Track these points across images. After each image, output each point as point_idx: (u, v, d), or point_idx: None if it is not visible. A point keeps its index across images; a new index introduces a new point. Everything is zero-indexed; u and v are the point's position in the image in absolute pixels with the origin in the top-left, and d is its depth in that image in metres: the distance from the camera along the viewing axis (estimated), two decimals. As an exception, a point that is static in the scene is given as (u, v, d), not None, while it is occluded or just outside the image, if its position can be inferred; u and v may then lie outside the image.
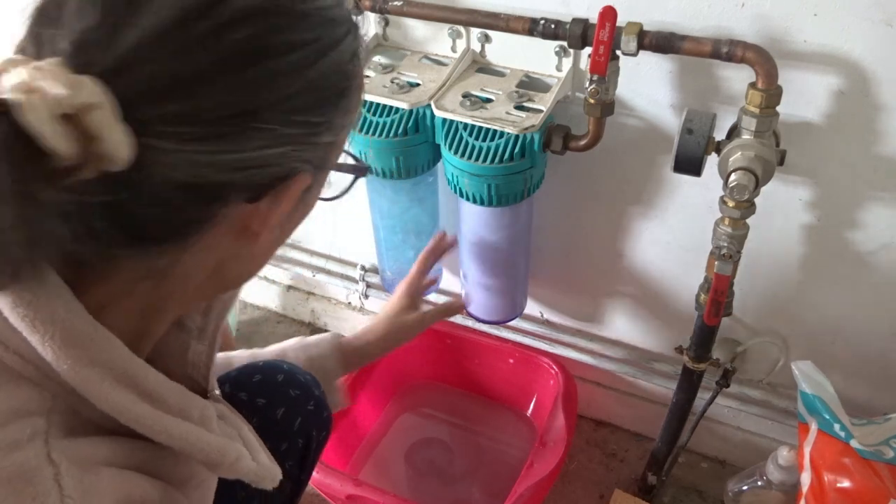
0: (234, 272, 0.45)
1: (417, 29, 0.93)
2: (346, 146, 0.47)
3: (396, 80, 0.88)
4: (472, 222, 0.95)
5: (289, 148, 0.39)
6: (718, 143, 0.74)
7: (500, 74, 0.90)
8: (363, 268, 1.27)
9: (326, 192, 0.48)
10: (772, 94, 0.69)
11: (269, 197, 0.41)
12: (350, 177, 0.55)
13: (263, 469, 0.48)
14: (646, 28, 0.73)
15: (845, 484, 0.81)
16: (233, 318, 1.44)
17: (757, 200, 0.75)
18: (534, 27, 0.78)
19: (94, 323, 0.38)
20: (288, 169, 0.40)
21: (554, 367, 1.16)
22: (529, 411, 1.24)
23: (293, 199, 0.42)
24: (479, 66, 0.91)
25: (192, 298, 0.45)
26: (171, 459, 0.44)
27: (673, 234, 0.95)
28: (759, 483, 1.00)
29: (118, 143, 0.33)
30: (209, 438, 0.43)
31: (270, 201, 0.41)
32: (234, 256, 0.43)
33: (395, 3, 0.85)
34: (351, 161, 0.52)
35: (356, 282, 1.29)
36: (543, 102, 0.84)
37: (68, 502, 0.34)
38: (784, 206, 0.85)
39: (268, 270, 1.47)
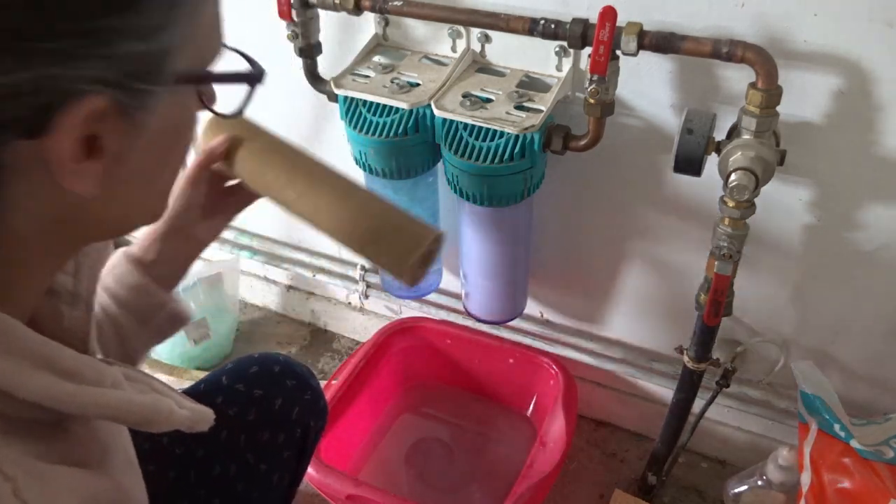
0: (89, 220, 0.39)
1: (417, 29, 0.93)
2: (223, 49, 0.41)
3: (396, 80, 0.88)
4: (472, 222, 0.95)
5: (56, 68, 0.31)
6: (718, 143, 0.74)
7: (500, 74, 0.90)
8: (363, 268, 1.27)
9: (220, 105, 0.40)
10: (772, 94, 0.69)
11: (61, 129, 0.33)
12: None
13: (195, 413, 0.46)
14: (646, 28, 0.73)
15: (845, 484, 0.81)
16: (233, 318, 1.44)
17: (757, 200, 0.75)
18: (534, 27, 0.78)
19: None
20: (60, 94, 0.32)
21: (554, 367, 1.16)
22: (529, 411, 1.24)
23: (84, 128, 0.34)
24: (479, 66, 0.92)
25: (43, 257, 0.40)
26: (79, 441, 0.42)
27: (673, 234, 0.95)
28: (759, 483, 1.00)
29: None
30: (139, 399, 0.41)
31: (65, 134, 0.33)
32: (71, 204, 0.37)
33: (395, 3, 0.85)
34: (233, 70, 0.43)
35: (356, 282, 1.29)
36: (543, 102, 0.84)
37: None
38: (784, 206, 0.85)
39: (268, 270, 1.47)
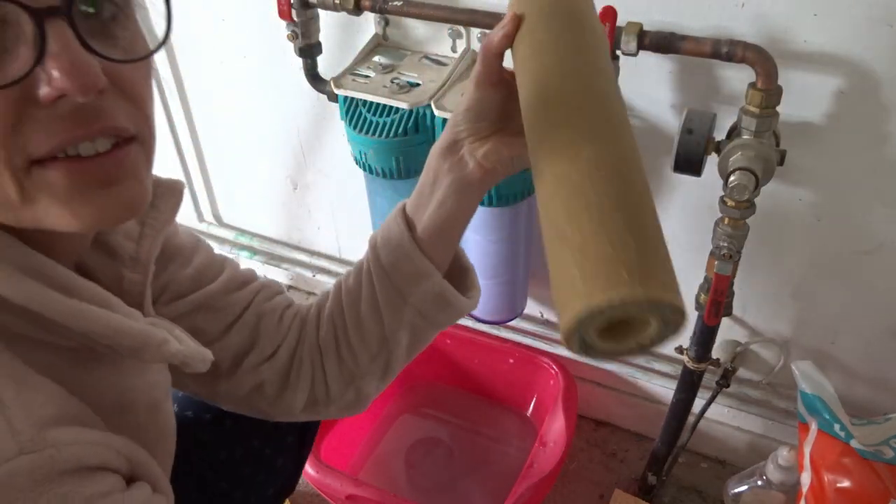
0: None
1: (417, 29, 0.93)
2: None
3: (396, 80, 0.88)
4: (472, 222, 0.94)
5: None
6: (718, 143, 0.74)
7: (500, 74, 0.90)
8: (363, 268, 1.27)
9: None
10: (772, 94, 0.69)
11: None
12: None
13: (192, 351, 0.47)
14: (646, 28, 0.73)
15: (845, 484, 0.81)
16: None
17: (757, 200, 0.75)
18: (534, 27, 0.78)
19: None
20: None
21: (554, 367, 1.16)
22: (529, 411, 1.24)
23: None
24: (479, 66, 0.91)
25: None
26: (99, 380, 0.44)
27: (673, 234, 0.95)
28: (759, 483, 1.00)
29: None
30: (132, 324, 0.42)
31: None
32: None
33: (395, 3, 0.85)
34: None
35: (356, 282, 1.29)
36: (543, 102, 0.84)
37: (8, 412, 0.35)
38: (784, 206, 0.85)
39: (268, 270, 1.47)
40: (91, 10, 0.36)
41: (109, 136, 0.37)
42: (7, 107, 0.34)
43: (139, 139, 0.39)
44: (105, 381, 0.44)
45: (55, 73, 0.34)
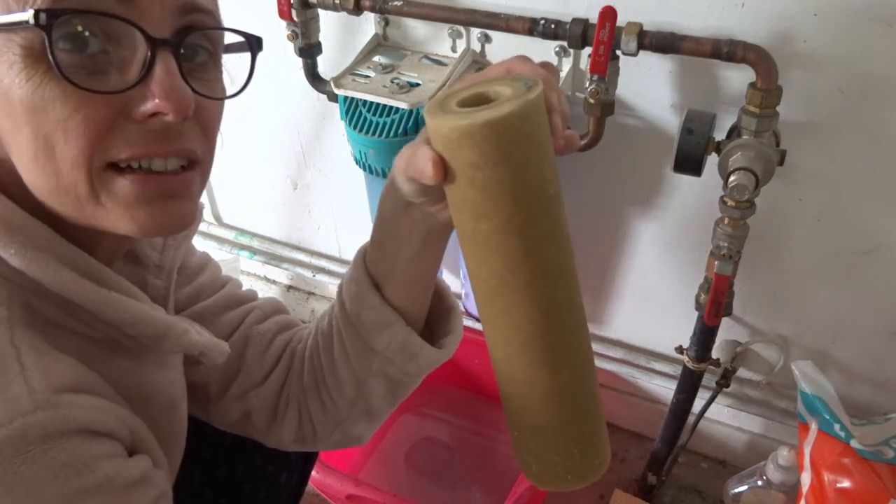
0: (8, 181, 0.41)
1: (417, 29, 0.93)
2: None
3: (396, 80, 0.88)
4: (472, 222, 0.95)
5: None
6: (718, 143, 0.74)
7: (500, 74, 0.90)
8: (363, 268, 1.27)
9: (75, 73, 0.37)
10: (772, 94, 0.69)
11: None
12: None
13: (210, 342, 0.50)
14: (646, 28, 0.73)
15: (845, 484, 0.81)
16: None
17: (757, 200, 0.75)
18: (534, 27, 0.78)
19: (26, 214, 0.41)
20: None
21: (554, 367, 1.16)
22: (529, 411, 1.24)
23: None
24: (479, 66, 0.91)
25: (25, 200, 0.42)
26: (121, 372, 0.46)
27: (673, 234, 0.95)
28: (759, 483, 1.00)
29: None
30: (156, 313, 0.46)
31: None
32: None
33: (395, 3, 0.85)
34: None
35: (356, 282, 1.29)
36: (543, 102, 0.84)
37: (28, 374, 0.38)
38: (784, 206, 0.85)
39: (268, 270, 1.47)
40: (192, 52, 0.42)
41: (182, 157, 0.42)
42: (106, 113, 0.38)
43: (202, 165, 0.44)
44: (126, 372, 0.47)
45: (158, 93, 0.38)
